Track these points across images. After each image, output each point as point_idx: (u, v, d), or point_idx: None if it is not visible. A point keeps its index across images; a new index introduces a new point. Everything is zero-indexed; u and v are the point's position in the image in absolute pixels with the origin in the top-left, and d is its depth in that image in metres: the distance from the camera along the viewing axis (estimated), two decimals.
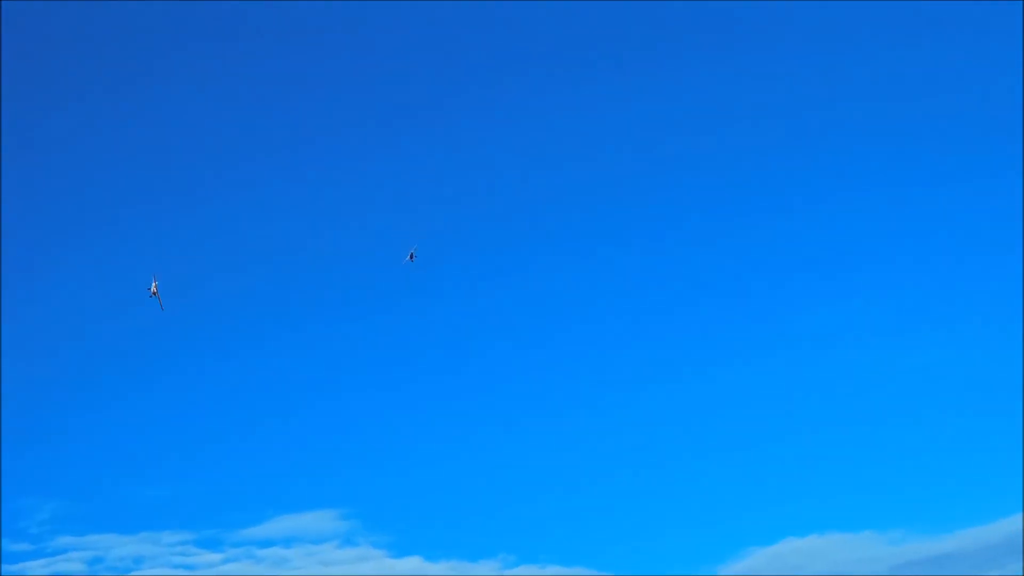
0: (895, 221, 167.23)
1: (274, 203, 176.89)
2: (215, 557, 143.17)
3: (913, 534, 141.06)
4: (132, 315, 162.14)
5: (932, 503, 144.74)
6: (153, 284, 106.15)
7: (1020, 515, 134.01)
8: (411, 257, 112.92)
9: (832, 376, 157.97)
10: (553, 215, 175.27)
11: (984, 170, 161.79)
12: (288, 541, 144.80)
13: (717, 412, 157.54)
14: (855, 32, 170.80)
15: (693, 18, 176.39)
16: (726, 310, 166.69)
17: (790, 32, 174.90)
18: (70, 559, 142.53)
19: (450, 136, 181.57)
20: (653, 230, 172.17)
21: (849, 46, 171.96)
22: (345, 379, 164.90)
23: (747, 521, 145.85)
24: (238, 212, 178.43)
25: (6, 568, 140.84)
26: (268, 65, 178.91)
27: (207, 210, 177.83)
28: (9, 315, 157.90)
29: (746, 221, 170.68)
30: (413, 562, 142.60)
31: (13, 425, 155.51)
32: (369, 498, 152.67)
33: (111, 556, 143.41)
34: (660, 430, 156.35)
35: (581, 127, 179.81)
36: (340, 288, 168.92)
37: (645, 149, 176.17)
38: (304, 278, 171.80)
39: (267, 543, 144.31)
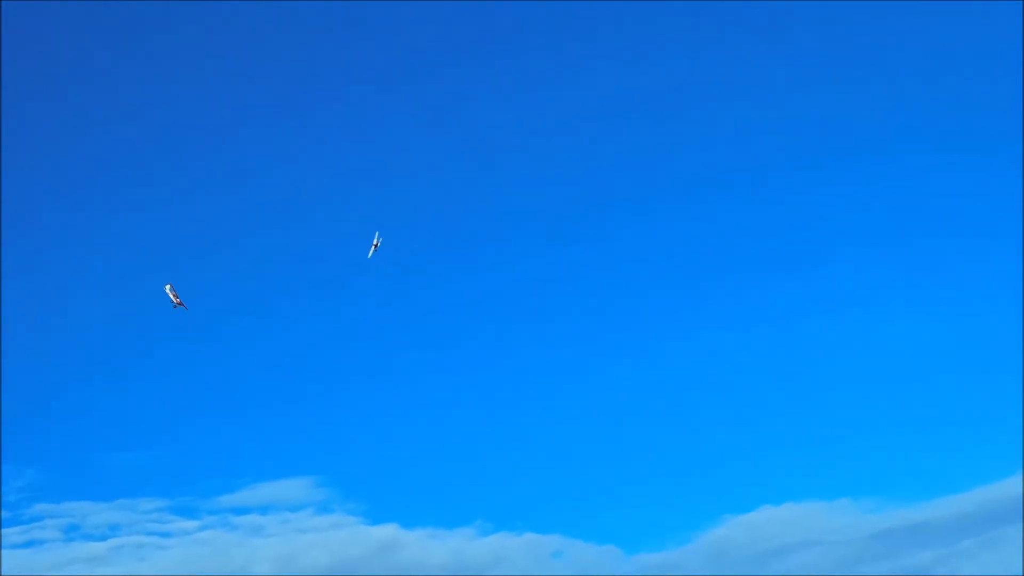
0: (885, 192, 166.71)
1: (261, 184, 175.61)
2: (191, 524, 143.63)
3: (889, 502, 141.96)
4: (112, 285, 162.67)
5: (908, 472, 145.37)
6: (171, 293, 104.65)
7: (996, 484, 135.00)
8: (375, 245, 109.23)
9: (808, 344, 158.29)
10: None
11: (984, 170, 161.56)
12: (264, 509, 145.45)
13: (692, 379, 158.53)
14: (855, 32, 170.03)
15: (690, 16, 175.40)
16: (706, 279, 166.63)
17: (790, 32, 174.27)
18: (45, 526, 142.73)
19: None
20: (644, 212, 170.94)
21: (849, 46, 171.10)
22: (321, 348, 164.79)
23: (723, 489, 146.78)
24: (223, 189, 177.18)
25: None
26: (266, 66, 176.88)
27: (192, 182, 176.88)
28: None
29: (739, 195, 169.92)
30: (389, 529, 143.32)
31: None
32: (344, 466, 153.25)
33: (87, 523, 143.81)
34: (636, 397, 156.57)
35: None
36: (317, 261, 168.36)
37: None
38: (282, 251, 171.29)
39: (243, 510, 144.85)
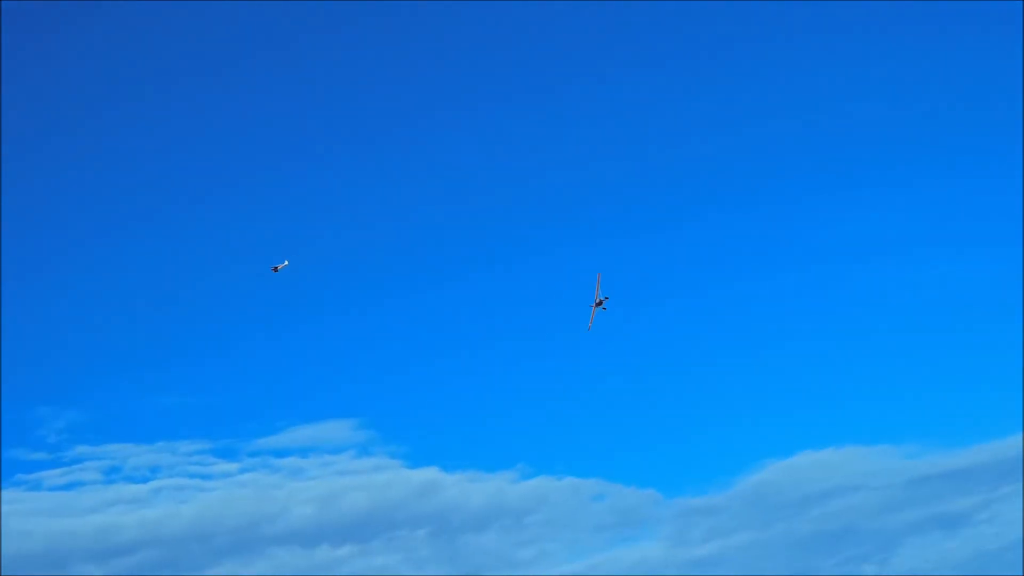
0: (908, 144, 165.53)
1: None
2: (232, 467, 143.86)
3: (929, 448, 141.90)
4: (149, 224, 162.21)
5: (948, 417, 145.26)
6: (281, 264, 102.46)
7: None
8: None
9: (852, 291, 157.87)
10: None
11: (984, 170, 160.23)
12: (304, 451, 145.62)
13: (735, 325, 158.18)
14: (855, 32, 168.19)
15: (690, 17, 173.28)
16: (745, 225, 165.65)
17: (790, 32, 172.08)
18: (86, 468, 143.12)
19: None
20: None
21: (849, 46, 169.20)
22: (364, 290, 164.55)
23: (764, 434, 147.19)
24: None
25: (23, 477, 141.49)
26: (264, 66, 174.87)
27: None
28: (17, 229, 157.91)
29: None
30: (430, 472, 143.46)
31: (28, 335, 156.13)
32: (385, 409, 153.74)
33: (128, 465, 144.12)
34: (679, 342, 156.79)
35: None
36: (358, 196, 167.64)
37: None
38: (321, 189, 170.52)
39: (283, 453, 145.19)
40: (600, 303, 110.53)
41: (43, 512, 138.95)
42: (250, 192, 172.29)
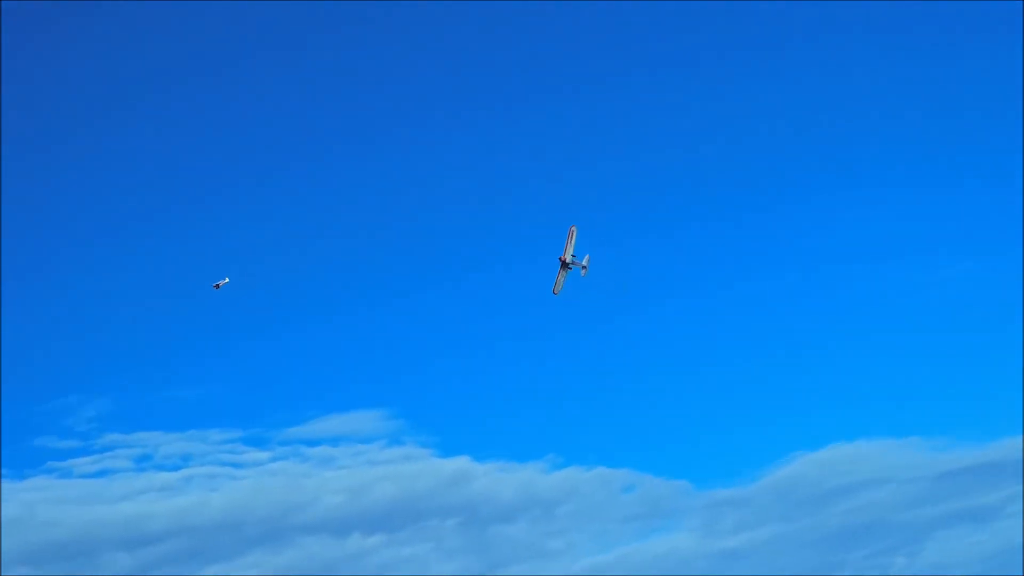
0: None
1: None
2: (263, 455, 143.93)
3: (958, 441, 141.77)
4: (181, 214, 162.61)
5: (978, 410, 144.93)
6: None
7: None
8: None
9: (881, 283, 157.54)
10: None
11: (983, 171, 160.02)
12: (335, 440, 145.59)
13: (768, 317, 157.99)
14: (855, 32, 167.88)
15: (690, 17, 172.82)
16: (771, 219, 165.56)
17: (790, 32, 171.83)
18: (117, 456, 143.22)
19: None
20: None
21: (849, 46, 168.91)
22: (394, 281, 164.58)
23: (793, 426, 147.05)
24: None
25: (53, 464, 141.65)
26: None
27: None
28: (46, 219, 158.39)
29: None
30: (460, 462, 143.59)
31: (58, 322, 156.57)
32: (416, 398, 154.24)
33: (159, 454, 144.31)
34: (708, 333, 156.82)
35: None
36: (384, 187, 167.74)
37: None
38: (349, 179, 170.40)
39: (314, 442, 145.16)
40: (569, 264, 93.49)
41: (74, 500, 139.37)
42: (279, 182, 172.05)
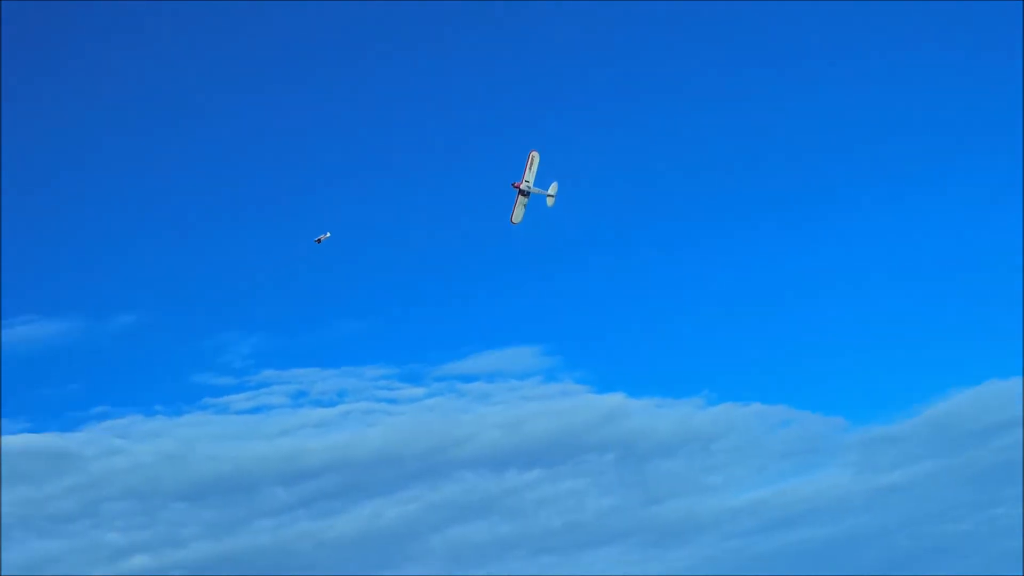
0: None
1: None
2: (418, 391, 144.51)
3: None
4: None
5: None
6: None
7: None
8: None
9: None
10: None
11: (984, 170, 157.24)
12: (491, 376, 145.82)
13: (921, 250, 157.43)
14: (855, 32, 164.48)
15: (689, 16, 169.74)
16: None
17: (790, 32, 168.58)
18: (273, 392, 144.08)
19: None
20: None
21: (849, 46, 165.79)
22: (548, 223, 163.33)
23: (950, 361, 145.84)
24: None
25: (210, 401, 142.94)
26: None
27: None
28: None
29: None
30: (616, 398, 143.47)
31: (215, 261, 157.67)
32: (572, 335, 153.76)
33: (315, 390, 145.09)
34: (865, 269, 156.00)
35: None
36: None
37: None
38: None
39: (470, 378, 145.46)
40: (526, 192, 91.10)
41: (231, 436, 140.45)
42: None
